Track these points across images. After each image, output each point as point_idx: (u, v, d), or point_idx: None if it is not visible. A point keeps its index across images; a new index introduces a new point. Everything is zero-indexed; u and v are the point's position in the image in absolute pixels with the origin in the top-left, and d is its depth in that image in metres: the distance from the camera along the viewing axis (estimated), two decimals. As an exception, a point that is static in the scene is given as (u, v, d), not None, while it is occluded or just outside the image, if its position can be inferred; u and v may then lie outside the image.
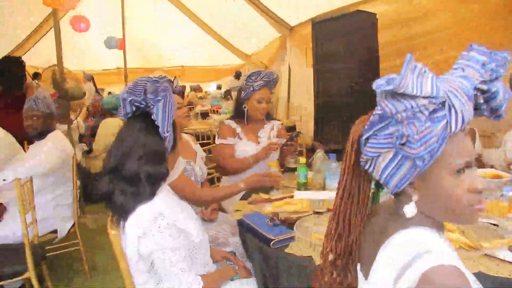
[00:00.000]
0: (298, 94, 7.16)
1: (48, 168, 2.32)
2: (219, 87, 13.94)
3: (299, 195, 1.85)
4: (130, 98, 1.27)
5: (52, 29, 8.83)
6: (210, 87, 14.59)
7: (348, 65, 3.95)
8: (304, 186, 2.05)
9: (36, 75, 8.31)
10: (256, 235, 1.54)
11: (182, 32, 13.85)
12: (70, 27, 8.45)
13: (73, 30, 8.71)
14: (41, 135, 2.60)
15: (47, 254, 2.50)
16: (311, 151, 4.00)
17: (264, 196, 1.99)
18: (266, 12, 7.36)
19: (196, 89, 11.95)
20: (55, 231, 2.57)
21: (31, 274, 2.04)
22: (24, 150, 3.03)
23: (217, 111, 6.73)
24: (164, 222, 1.26)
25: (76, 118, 4.29)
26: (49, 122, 2.62)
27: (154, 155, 1.28)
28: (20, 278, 2.03)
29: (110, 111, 4.89)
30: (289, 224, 1.61)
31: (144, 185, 1.25)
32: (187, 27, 13.37)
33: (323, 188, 2.02)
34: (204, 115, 6.98)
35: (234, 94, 8.87)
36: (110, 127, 4.71)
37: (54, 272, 2.83)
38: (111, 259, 3.09)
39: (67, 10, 8.36)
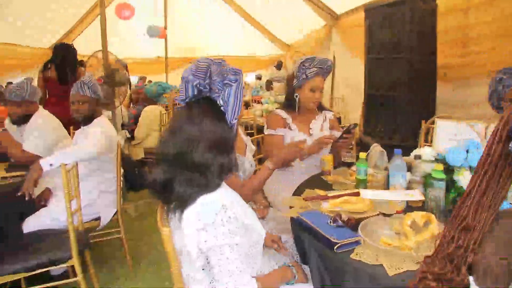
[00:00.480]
0: (341, 85, 6.89)
1: (94, 153, 2.27)
2: (258, 77, 13.81)
3: (365, 194, 1.66)
4: (196, 82, 1.15)
5: (97, 17, 9.03)
6: (248, 77, 14.48)
7: (403, 56, 3.68)
8: (363, 183, 1.86)
9: (81, 63, 8.52)
10: (316, 237, 1.39)
11: (222, 22, 13.80)
12: (115, 15, 8.54)
13: (117, 18, 8.82)
14: (87, 120, 2.56)
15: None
16: (359, 145, 3.78)
17: (320, 192, 1.83)
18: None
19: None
20: (98, 218, 2.53)
21: (75, 261, 1.98)
22: (71, 136, 3.02)
23: (258, 101, 6.58)
24: (226, 215, 1.13)
25: (120, 104, 4.28)
26: (95, 107, 2.58)
27: (225, 144, 1.17)
28: (64, 265, 1.98)
29: (151, 99, 4.86)
30: (353, 225, 1.44)
31: (212, 175, 1.14)
32: (227, 16, 13.30)
33: (385, 186, 1.82)
34: (245, 105, 6.85)
35: (275, 84, 8.68)
36: (151, 115, 4.69)
37: (96, 259, 2.80)
38: (152, 248, 3.08)
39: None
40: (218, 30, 14.28)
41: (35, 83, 3.17)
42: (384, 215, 1.50)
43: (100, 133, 2.42)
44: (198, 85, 1.17)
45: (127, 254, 2.76)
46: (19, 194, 2.09)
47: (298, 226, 1.52)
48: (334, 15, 7.15)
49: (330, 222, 1.40)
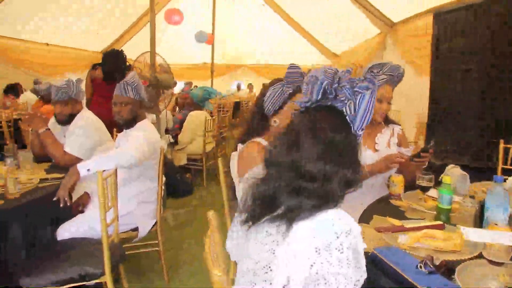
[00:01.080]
0: (396, 97, 6.45)
1: (135, 159, 2.08)
2: None
3: (468, 233, 1.33)
4: (325, 82, 1.04)
5: (147, 24, 9.15)
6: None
7: (478, 66, 3.27)
8: (446, 214, 1.54)
9: (129, 68, 8.65)
10: (399, 282, 1.09)
11: (269, 30, 13.72)
12: (164, 21, 8.60)
13: (166, 25, 8.90)
14: (130, 123, 2.40)
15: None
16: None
17: (393, 221, 1.52)
18: (365, 6, 6.75)
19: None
20: (135, 229, 2.34)
21: (107, 278, 1.79)
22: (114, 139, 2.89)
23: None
24: (347, 240, 0.89)
25: (165, 108, 4.17)
26: (138, 110, 2.41)
27: (351, 155, 1.02)
28: (95, 281, 1.79)
29: (197, 104, 4.71)
30: (447, 271, 1.13)
31: (335, 189, 0.97)
32: (275, 24, 13.20)
33: (479, 219, 1.48)
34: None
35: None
36: (196, 120, 4.54)
37: (132, 271, 2.62)
38: (193, 258, 2.86)
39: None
40: (264, 38, 14.23)
41: (83, 85, 3.09)
42: (489, 261, 1.17)
43: (142, 138, 2.24)
44: (326, 87, 1.04)
45: (164, 267, 2.56)
46: (54, 199, 1.94)
47: (373, 265, 1.22)
48: (390, 23, 6.75)
49: (420, 266, 1.10)
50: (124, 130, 2.44)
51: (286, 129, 1.08)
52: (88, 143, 2.60)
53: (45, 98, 4.92)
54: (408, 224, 1.48)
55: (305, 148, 0.99)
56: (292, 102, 1.76)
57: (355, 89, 1.04)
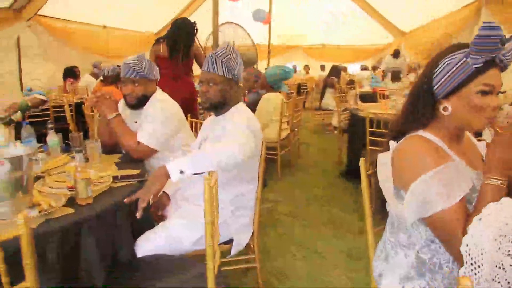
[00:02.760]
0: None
1: (242, 157, 1.57)
2: (364, 68, 12.64)
3: None
4: None
5: (201, 4, 8.72)
6: (350, 68, 13.34)
7: None
8: None
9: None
10: None
11: (327, 8, 12.85)
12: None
13: (222, 3, 8.41)
14: (220, 108, 1.88)
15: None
16: None
17: None
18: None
19: (341, 69, 10.89)
20: (229, 242, 1.85)
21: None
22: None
23: (383, 95, 5.57)
24: None
25: (251, 89, 3.69)
26: (230, 91, 1.88)
27: None
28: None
29: (270, 85, 4.16)
30: None
31: None
32: (338, 2, 12.33)
33: None
34: (368, 97, 5.88)
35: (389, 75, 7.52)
36: (273, 103, 4.00)
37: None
38: (299, 275, 2.33)
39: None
40: (321, 17, 13.38)
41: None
42: None
43: (247, 129, 1.71)
44: None
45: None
46: (125, 200, 1.49)
47: None
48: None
49: None
50: (213, 115, 1.94)
51: None
52: (165, 131, 2.13)
53: (107, 80, 4.58)
54: None
55: None
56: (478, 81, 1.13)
57: None
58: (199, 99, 3.26)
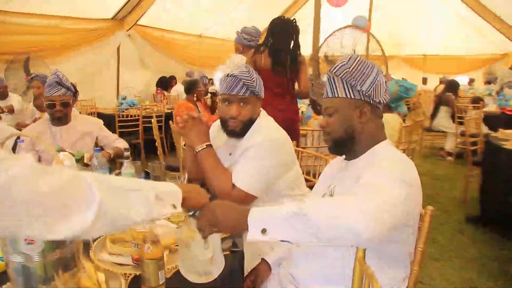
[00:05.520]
0: None
1: (369, 237, 0.93)
2: (471, 80, 11.19)
3: None
4: None
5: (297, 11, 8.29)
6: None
7: None
8: None
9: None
10: None
11: (430, 12, 11.56)
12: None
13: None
14: (350, 145, 1.29)
15: None
16: None
17: None
18: None
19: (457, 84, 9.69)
20: None
21: None
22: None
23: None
24: None
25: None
26: (367, 118, 1.28)
27: None
28: None
29: (388, 104, 3.45)
30: None
31: None
32: (444, 7, 11.06)
33: None
34: (493, 119, 4.86)
35: (509, 91, 6.20)
36: (388, 126, 3.28)
37: None
38: None
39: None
40: (423, 24, 12.11)
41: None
42: None
43: (400, 183, 1.08)
44: None
45: None
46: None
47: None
48: None
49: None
50: (341, 156, 1.35)
51: None
52: (270, 172, 1.58)
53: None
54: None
55: None
56: None
57: None
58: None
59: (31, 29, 5.36)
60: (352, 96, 1.26)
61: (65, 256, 0.90)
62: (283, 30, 3.00)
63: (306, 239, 0.96)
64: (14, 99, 4.44)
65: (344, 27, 6.81)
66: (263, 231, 0.96)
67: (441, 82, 10.43)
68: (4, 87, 4.43)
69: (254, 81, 1.61)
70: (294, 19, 3.13)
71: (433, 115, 5.95)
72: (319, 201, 1.23)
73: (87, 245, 1.14)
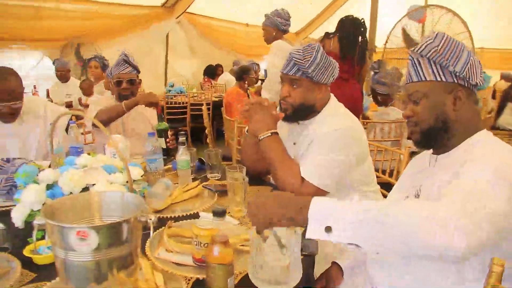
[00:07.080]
0: None
1: (465, 251, 0.76)
2: (506, 77, 10.22)
3: None
4: None
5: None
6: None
7: None
8: None
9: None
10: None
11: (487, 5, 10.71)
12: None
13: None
14: (440, 138, 1.09)
15: None
16: None
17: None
18: None
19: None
20: None
21: None
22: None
23: None
24: None
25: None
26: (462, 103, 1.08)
27: None
28: None
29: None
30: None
31: None
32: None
33: None
34: None
35: None
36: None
37: None
38: None
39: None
40: (489, 15, 11.24)
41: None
42: None
43: (498, 180, 0.87)
44: None
45: None
46: None
47: None
48: None
49: None
50: (422, 153, 1.14)
51: None
52: (342, 167, 1.40)
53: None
54: None
55: None
56: None
57: None
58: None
59: (82, 14, 5.40)
60: (444, 79, 1.06)
61: (121, 254, 0.77)
62: (355, 26, 2.97)
63: (386, 248, 0.80)
64: (73, 83, 4.49)
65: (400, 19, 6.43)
66: (327, 229, 0.79)
67: (502, 78, 9.65)
68: (67, 70, 4.49)
69: (307, 61, 1.42)
70: (362, 19, 3.05)
71: (498, 113, 5.47)
72: (405, 204, 1.01)
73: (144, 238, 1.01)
